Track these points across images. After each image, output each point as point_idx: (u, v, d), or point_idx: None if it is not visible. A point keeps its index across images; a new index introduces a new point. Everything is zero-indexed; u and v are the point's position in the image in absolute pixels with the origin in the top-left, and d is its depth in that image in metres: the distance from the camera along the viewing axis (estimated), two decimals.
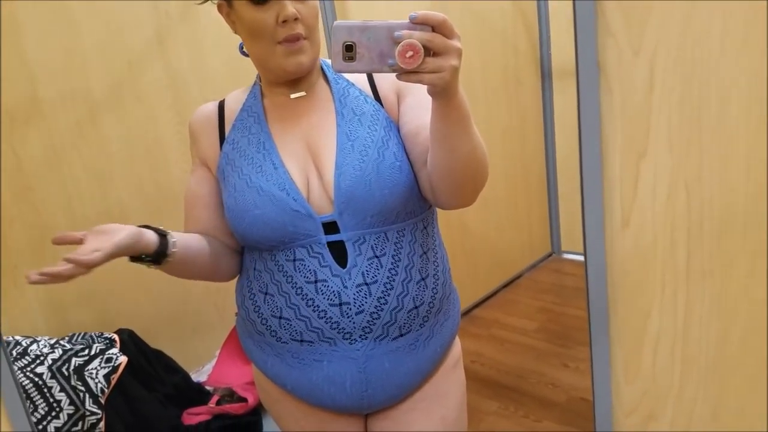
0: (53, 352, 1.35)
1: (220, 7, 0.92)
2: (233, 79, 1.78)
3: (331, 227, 0.88)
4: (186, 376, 1.56)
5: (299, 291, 0.89)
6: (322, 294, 0.88)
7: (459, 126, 0.76)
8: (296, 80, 0.94)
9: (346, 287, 0.88)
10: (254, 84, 1.00)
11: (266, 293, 0.93)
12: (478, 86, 2.58)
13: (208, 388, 1.60)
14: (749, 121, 0.47)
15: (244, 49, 0.97)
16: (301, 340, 0.91)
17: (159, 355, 1.53)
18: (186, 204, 1.02)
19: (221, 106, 1.02)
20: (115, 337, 1.44)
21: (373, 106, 0.94)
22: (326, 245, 0.88)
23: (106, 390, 1.33)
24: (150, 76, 1.63)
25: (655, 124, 0.49)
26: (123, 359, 1.37)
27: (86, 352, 1.36)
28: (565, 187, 3.02)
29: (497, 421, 1.92)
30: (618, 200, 0.52)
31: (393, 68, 0.68)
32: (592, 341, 0.63)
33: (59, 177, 1.49)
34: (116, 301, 1.62)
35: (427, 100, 0.91)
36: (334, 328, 0.89)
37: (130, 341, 1.46)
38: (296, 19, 0.85)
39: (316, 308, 0.89)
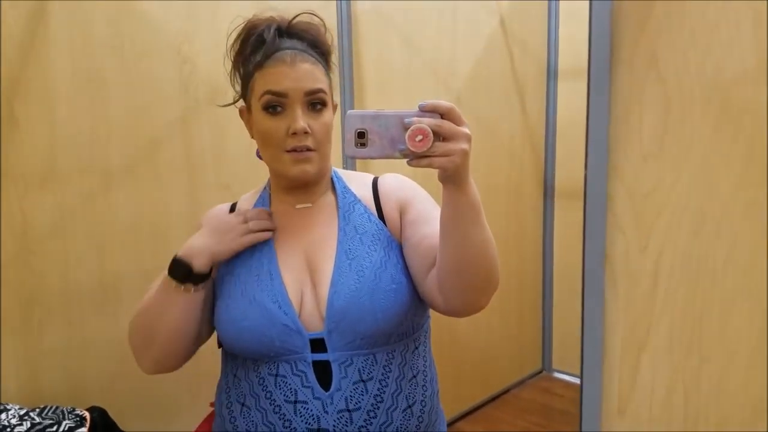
0: (21, 424, 1.30)
1: (241, 112, 0.97)
2: (250, 167, 1.83)
3: (318, 345, 0.86)
4: None
5: (277, 409, 0.86)
6: (301, 416, 0.84)
7: (470, 215, 0.76)
8: (304, 190, 0.96)
9: (326, 412, 0.84)
10: (264, 189, 1.02)
11: (243, 404, 0.90)
12: (481, 195, 2.65)
13: None
14: (750, 336, 0.48)
15: (261, 154, 1.01)
16: None
17: None
18: None
19: (232, 210, 1.03)
20: (86, 415, 1.39)
21: (377, 225, 0.94)
22: (311, 364, 0.85)
23: None
24: (169, 156, 1.68)
25: (656, 322, 0.50)
26: None
27: (54, 428, 1.31)
28: (561, 305, 3.01)
29: None
30: (616, 387, 0.52)
31: (403, 153, 0.70)
32: None
33: (62, 244, 1.50)
34: (93, 373, 1.58)
35: (427, 213, 0.92)
36: None
37: (100, 421, 1.41)
38: (306, 132, 0.88)
39: (292, 430, 0.84)
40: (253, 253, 0.94)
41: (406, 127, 0.69)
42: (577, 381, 2.51)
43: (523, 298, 2.95)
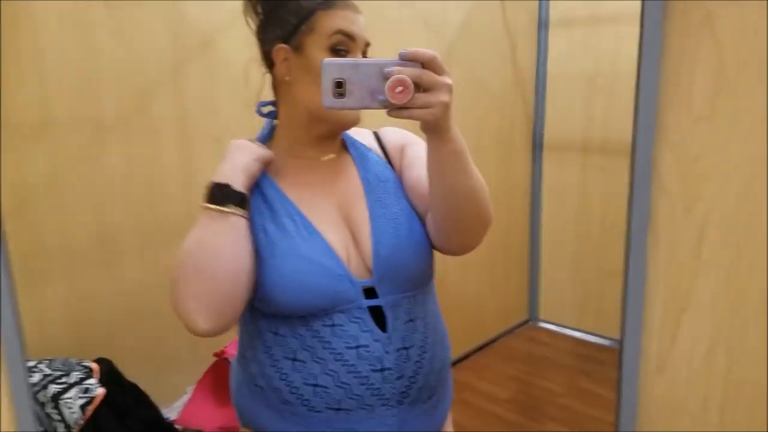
0: (32, 376, 1.31)
1: (278, 51, 0.89)
2: (240, 120, 1.80)
3: (367, 293, 0.89)
4: (158, 414, 1.52)
5: (338, 357, 0.87)
6: (364, 359, 0.87)
7: (455, 162, 0.78)
8: (329, 141, 0.94)
9: (387, 352, 0.87)
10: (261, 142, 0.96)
11: (295, 359, 0.89)
12: (470, 147, 2.65)
13: (177, 427, 1.56)
14: None
15: (263, 110, 0.97)
16: (338, 409, 0.88)
17: (134, 388, 1.49)
18: None
19: None
20: (94, 366, 1.40)
21: (392, 173, 0.96)
22: (367, 310, 0.88)
23: (80, 421, 1.29)
24: (160, 107, 1.64)
25: (699, 283, 0.52)
26: (100, 391, 1.33)
27: (64, 379, 1.32)
28: (548, 257, 3.08)
29: None
30: (655, 346, 0.54)
31: (383, 104, 0.69)
32: None
33: (58, 198, 1.47)
34: (96, 325, 1.58)
35: (421, 154, 0.91)
36: (375, 395, 0.87)
37: (108, 371, 1.43)
38: None
39: (357, 374, 0.87)
40: (277, 211, 0.90)
41: (385, 77, 0.67)
42: (561, 330, 2.60)
43: (511, 251, 3.01)
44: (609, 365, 2.66)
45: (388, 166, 0.97)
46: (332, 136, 0.95)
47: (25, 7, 1.36)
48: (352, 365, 0.87)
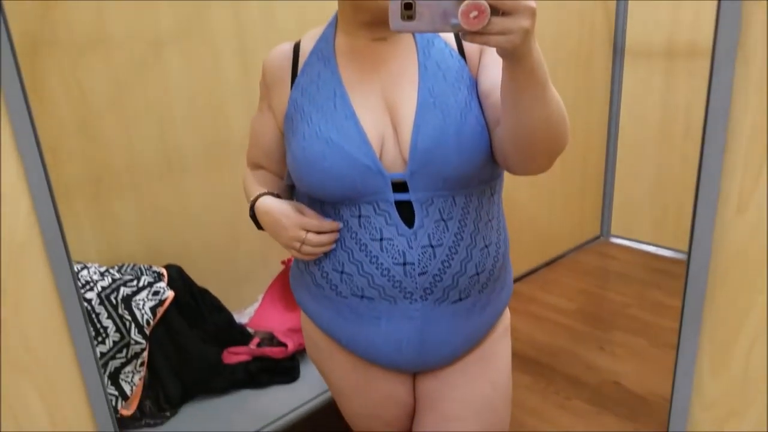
0: (103, 279, 1.38)
1: None
2: (300, 31, 1.74)
3: (399, 186, 0.85)
4: (229, 316, 1.59)
5: (363, 247, 0.88)
6: (387, 252, 0.87)
7: (532, 91, 0.70)
8: (378, 27, 0.88)
9: (411, 247, 0.86)
10: (329, 24, 0.94)
11: None
12: (546, 59, 2.48)
13: (249, 330, 1.63)
14: None
15: None
16: (362, 296, 0.90)
17: (204, 293, 1.55)
18: (251, 138, 1.06)
19: (296, 50, 0.96)
20: (163, 271, 1.47)
21: (459, 61, 0.88)
22: (393, 204, 0.86)
23: (151, 321, 1.36)
24: (218, 20, 1.61)
25: None
26: (170, 293, 1.40)
27: (134, 283, 1.39)
28: (624, 171, 2.92)
29: (527, 394, 1.92)
30: (738, 183, 0.47)
31: (456, 28, 0.62)
32: (681, 329, 0.59)
33: (121, 114, 1.49)
34: (167, 237, 1.65)
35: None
36: (396, 287, 0.88)
37: (177, 277, 1.49)
38: None
39: (379, 266, 0.87)
40: (321, 92, 0.89)
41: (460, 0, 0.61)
42: (634, 245, 2.49)
43: (587, 165, 2.87)
44: (683, 278, 2.55)
45: (460, 58, 0.88)
46: (383, 22, 0.88)
47: None
48: (375, 257, 0.87)
